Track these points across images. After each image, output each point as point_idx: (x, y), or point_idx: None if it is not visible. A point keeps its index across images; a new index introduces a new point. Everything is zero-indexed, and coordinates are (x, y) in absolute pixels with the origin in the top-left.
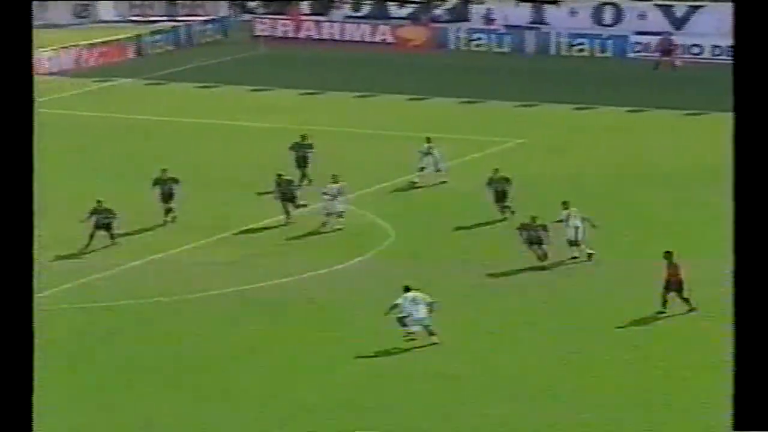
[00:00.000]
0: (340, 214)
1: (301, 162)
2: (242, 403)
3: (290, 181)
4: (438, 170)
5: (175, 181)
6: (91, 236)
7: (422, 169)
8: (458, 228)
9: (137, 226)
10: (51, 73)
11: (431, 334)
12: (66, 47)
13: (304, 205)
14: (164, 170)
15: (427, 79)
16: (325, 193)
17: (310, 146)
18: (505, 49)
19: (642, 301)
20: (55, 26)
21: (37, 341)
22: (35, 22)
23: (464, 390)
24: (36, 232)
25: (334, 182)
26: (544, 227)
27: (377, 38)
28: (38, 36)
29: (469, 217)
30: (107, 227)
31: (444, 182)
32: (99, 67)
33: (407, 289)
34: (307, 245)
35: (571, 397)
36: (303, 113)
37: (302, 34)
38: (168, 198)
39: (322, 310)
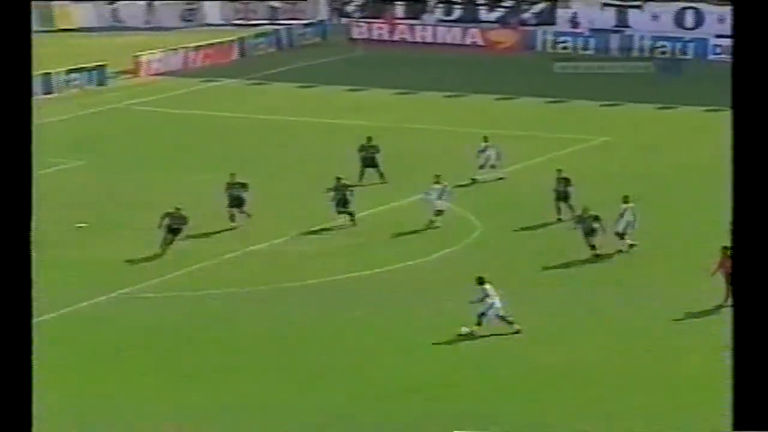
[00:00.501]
0: (439, 213)
1: (368, 162)
2: (334, 385)
3: (347, 186)
4: (493, 166)
5: (245, 187)
6: (168, 238)
7: (482, 167)
8: (542, 223)
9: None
10: (160, 74)
11: (510, 323)
12: (174, 49)
13: (351, 213)
14: (233, 175)
15: (514, 80)
16: (427, 193)
17: (376, 148)
18: (590, 51)
19: (707, 292)
20: (164, 29)
21: (141, 327)
22: (145, 26)
23: (557, 379)
24: (139, 226)
25: (437, 183)
26: (596, 218)
27: (468, 41)
28: (148, 39)
29: (552, 212)
30: (175, 232)
31: (501, 179)
32: (205, 68)
33: (481, 281)
34: (400, 238)
35: (661, 385)
36: (397, 112)
37: (397, 37)
38: (237, 203)
39: (414, 299)
